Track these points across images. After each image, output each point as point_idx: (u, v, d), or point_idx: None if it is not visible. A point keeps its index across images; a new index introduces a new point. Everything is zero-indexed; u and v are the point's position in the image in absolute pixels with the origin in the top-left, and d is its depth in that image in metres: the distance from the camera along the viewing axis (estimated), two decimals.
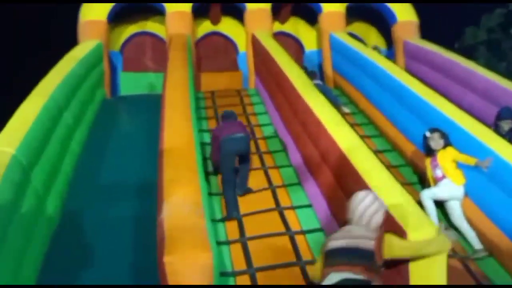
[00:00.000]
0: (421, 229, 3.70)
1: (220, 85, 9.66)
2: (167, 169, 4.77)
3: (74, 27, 9.23)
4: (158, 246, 3.75)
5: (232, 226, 5.42)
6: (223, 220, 5.53)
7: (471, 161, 5.18)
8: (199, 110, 8.04)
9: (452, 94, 7.62)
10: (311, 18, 10.75)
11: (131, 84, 9.82)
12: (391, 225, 3.83)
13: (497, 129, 5.99)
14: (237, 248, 5.04)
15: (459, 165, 5.32)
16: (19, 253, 4.16)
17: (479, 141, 5.44)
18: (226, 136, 5.84)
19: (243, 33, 10.10)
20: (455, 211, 5.23)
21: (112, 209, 5.45)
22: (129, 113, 8.60)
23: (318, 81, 8.39)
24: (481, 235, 5.10)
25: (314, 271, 3.69)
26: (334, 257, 3.37)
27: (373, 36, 11.35)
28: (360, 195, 3.55)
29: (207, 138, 7.02)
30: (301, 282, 4.59)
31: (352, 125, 6.13)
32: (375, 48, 9.98)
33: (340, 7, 10.03)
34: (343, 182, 4.96)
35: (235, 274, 4.68)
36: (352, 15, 10.52)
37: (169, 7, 9.55)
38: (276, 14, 10.52)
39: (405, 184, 5.77)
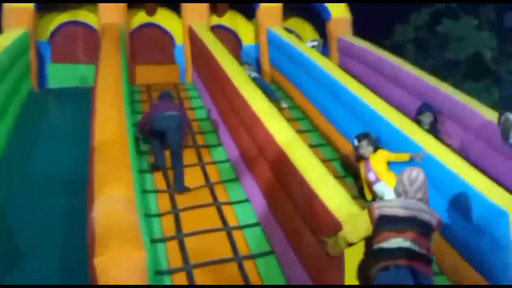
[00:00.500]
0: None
1: (156, 78, 9.42)
2: (98, 164, 4.58)
3: None
4: (89, 245, 3.60)
5: (168, 222, 5.32)
6: (150, 170, 6.06)
7: (404, 156, 5.30)
8: (134, 104, 7.82)
9: (382, 89, 7.86)
10: (249, 12, 10.73)
11: (61, 76, 9.35)
12: (324, 217, 3.89)
13: (418, 123, 6.31)
14: (173, 245, 4.95)
15: (391, 167, 5.42)
16: None
17: (405, 135, 5.68)
18: (160, 114, 6.13)
19: (180, 25, 9.92)
20: None
21: (40, 206, 5.21)
22: (59, 106, 8.21)
23: (256, 75, 8.38)
24: None
25: (350, 234, 3.60)
26: (395, 224, 3.44)
27: (308, 31, 11.49)
28: (415, 170, 3.65)
29: None
30: (239, 277, 4.58)
31: (288, 120, 6.16)
32: (316, 45, 10.09)
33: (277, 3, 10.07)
34: (280, 177, 4.98)
35: (171, 272, 4.59)
36: (288, 10, 10.58)
37: None
38: (214, 7, 10.41)
39: (338, 177, 5.87)
